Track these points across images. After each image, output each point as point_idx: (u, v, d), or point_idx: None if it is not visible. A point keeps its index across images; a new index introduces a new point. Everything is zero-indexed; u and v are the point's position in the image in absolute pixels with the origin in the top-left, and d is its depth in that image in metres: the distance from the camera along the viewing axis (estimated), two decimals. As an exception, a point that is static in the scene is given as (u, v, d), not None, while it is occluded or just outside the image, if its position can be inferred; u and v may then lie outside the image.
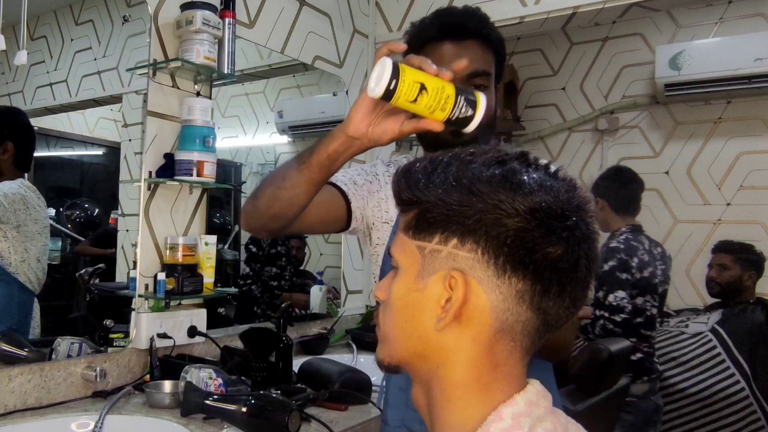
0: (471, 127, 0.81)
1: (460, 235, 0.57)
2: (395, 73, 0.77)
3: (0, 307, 1.58)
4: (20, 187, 1.61)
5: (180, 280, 1.69)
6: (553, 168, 0.61)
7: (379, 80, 0.78)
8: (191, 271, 1.74)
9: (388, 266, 1.13)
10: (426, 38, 1.07)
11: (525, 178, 0.57)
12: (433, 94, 0.78)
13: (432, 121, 0.82)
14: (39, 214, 1.64)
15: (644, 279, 2.36)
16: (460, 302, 0.57)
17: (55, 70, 1.77)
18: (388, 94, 0.78)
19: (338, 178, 1.12)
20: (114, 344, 1.66)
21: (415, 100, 0.78)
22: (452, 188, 0.58)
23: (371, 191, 1.14)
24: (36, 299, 1.63)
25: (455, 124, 0.81)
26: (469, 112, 0.80)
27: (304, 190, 0.94)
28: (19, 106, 1.68)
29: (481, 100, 0.81)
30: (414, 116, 0.85)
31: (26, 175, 1.64)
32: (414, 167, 0.62)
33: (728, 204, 3.14)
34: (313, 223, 1.07)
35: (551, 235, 0.56)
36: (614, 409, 2.37)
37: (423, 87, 0.78)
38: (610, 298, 2.29)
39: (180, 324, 1.76)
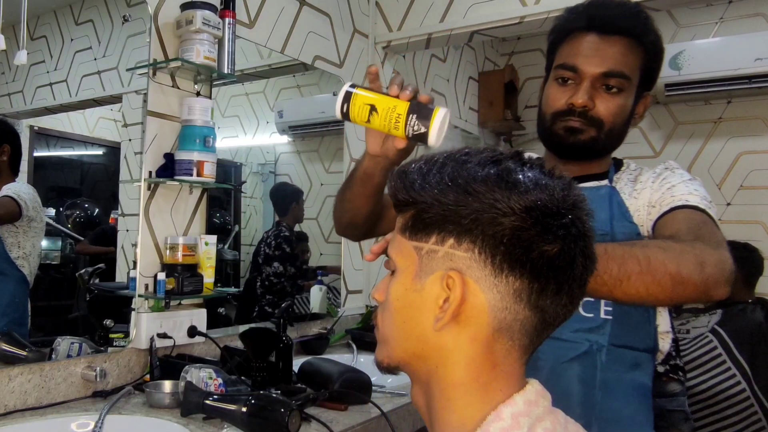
0: (430, 142, 0.83)
1: (456, 235, 0.57)
2: (347, 97, 0.85)
3: (8, 299, 1.62)
4: (28, 186, 1.65)
5: (180, 280, 1.69)
6: (548, 166, 0.61)
7: (336, 105, 0.86)
8: (191, 271, 1.74)
9: None
10: (572, 27, 1.04)
11: (520, 177, 0.57)
12: (382, 114, 0.84)
13: (396, 137, 0.87)
14: (43, 212, 1.69)
15: None
16: (457, 302, 0.57)
17: (55, 70, 1.77)
18: (344, 116, 0.86)
19: None
20: (114, 344, 1.66)
21: (368, 120, 0.85)
22: (448, 188, 0.58)
23: None
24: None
25: (416, 141, 0.85)
26: (422, 129, 0.83)
27: (361, 202, 1.02)
28: (19, 106, 1.68)
29: (437, 115, 0.82)
30: None
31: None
32: (410, 168, 0.62)
33: (728, 204, 3.14)
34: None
35: (547, 234, 0.56)
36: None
37: (373, 108, 0.84)
38: None
39: (180, 324, 1.76)
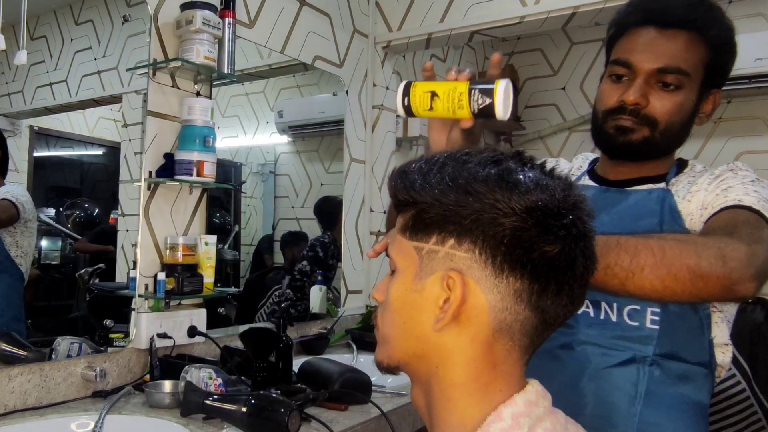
0: (498, 114, 0.81)
1: (457, 236, 0.57)
2: (406, 91, 0.85)
3: (8, 296, 1.65)
4: (22, 187, 1.66)
5: (180, 280, 1.69)
6: (548, 167, 0.61)
7: (397, 101, 0.86)
8: (191, 271, 1.74)
9: None
10: (630, 21, 0.99)
11: (521, 177, 0.57)
12: (444, 96, 0.83)
13: (462, 119, 0.85)
14: (36, 212, 1.71)
15: None
16: (458, 302, 0.57)
17: (55, 70, 1.77)
18: (408, 110, 0.86)
19: None
20: (114, 344, 1.66)
21: (431, 107, 0.84)
22: (448, 188, 0.58)
23: None
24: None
25: (483, 116, 0.83)
26: (487, 101, 0.81)
27: None
28: (19, 106, 1.69)
29: (499, 85, 0.80)
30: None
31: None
32: (410, 168, 0.62)
33: (728, 204, 3.13)
34: None
35: (548, 234, 0.56)
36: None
37: (434, 94, 0.83)
38: None
39: (180, 324, 1.76)
